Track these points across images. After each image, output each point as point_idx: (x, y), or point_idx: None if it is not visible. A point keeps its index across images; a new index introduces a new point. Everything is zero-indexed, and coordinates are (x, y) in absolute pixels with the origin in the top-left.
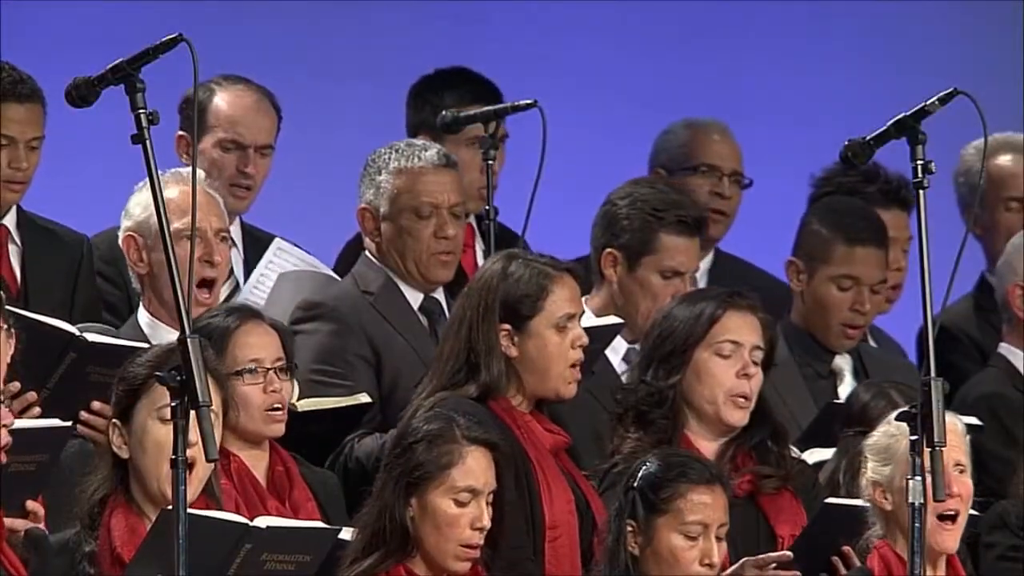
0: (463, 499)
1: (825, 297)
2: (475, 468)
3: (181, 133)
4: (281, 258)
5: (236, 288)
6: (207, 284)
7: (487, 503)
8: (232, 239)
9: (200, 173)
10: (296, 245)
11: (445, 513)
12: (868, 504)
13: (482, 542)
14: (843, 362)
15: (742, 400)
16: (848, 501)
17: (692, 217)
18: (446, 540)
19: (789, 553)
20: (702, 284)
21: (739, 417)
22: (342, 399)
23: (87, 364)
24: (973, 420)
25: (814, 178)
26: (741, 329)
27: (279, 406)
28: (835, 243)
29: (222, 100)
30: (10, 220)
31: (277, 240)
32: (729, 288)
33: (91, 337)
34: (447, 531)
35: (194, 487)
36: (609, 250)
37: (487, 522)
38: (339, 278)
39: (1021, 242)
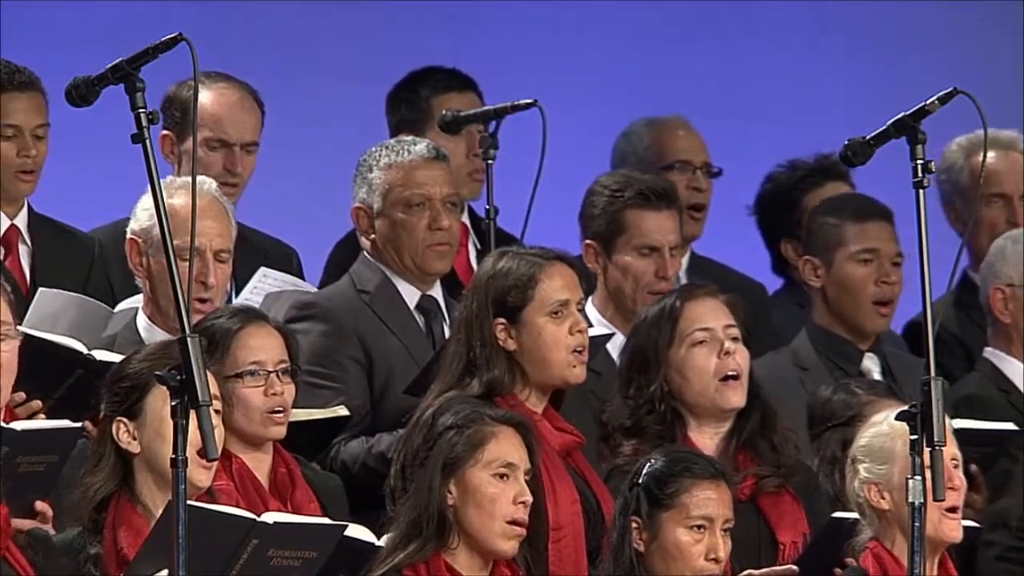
0: (501, 473)
1: (850, 278)
2: (507, 444)
3: (165, 132)
4: (265, 283)
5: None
6: (199, 303)
7: (525, 483)
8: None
9: (213, 183)
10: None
11: (485, 490)
12: (859, 504)
13: (527, 518)
14: (872, 364)
15: (733, 381)
16: (854, 515)
17: (651, 188)
18: (491, 518)
19: (795, 568)
20: None
21: (736, 398)
22: (318, 411)
23: (94, 379)
24: (1011, 425)
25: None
26: (706, 315)
27: (280, 409)
28: (845, 225)
29: (206, 98)
30: (21, 220)
31: (262, 268)
32: (683, 284)
33: (100, 356)
34: (490, 508)
35: (212, 471)
36: (587, 242)
37: (529, 497)
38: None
39: (1004, 245)
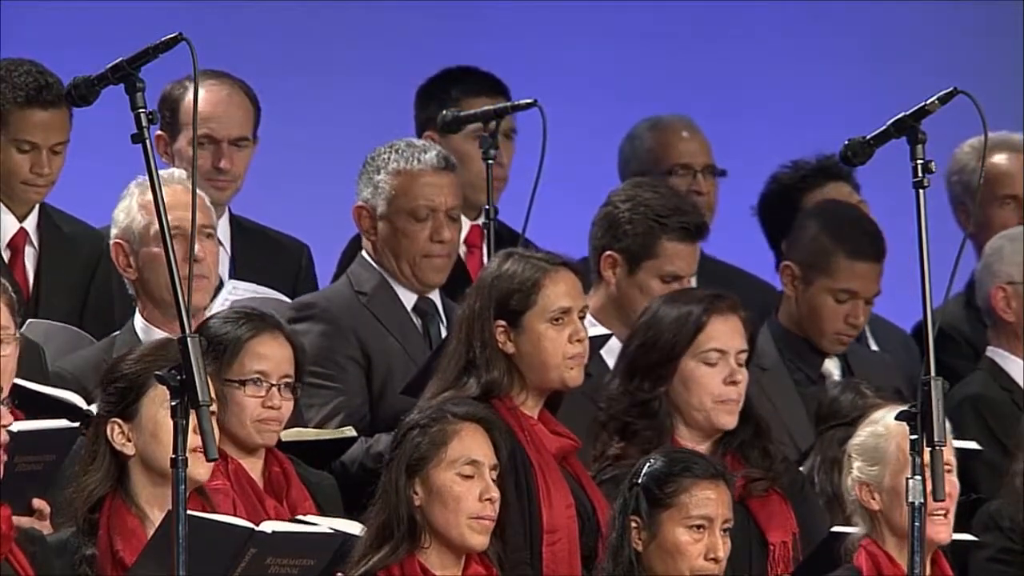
0: (466, 472)
1: (821, 307)
2: (471, 442)
3: (159, 133)
4: (235, 294)
5: (220, 285)
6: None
7: (492, 479)
8: (218, 238)
9: (181, 172)
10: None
11: (451, 489)
12: (851, 502)
13: (495, 515)
14: (832, 365)
15: (730, 404)
16: (853, 529)
17: (694, 224)
18: (457, 516)
19: None
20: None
21: (730, 420)
22: (326, 432)
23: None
24: (972, 444)
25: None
26: (726, 336)
27: (274, 420)
28: (837, 255)
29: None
30: (31, 223)
31: (231, 281)
32: (710, 291)
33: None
34: (456, 506)
35: (208, 468)
36: (609, 253)
37: (495, 493)
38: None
39: (1000, 244)
